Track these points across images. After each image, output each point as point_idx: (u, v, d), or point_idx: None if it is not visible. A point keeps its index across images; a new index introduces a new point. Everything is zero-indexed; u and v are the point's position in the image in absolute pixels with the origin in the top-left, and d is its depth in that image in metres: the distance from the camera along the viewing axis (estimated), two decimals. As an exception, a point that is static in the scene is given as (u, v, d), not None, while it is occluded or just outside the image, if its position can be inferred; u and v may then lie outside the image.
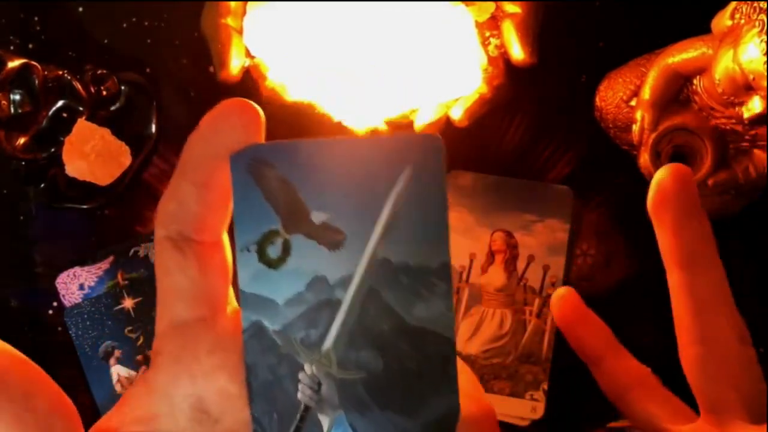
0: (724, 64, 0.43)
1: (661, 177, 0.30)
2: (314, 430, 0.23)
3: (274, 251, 0.23)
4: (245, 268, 0.23)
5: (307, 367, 0.23)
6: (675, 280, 0.31)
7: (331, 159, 0.22)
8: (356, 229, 0.22)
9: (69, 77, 0.51)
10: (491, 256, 0.53)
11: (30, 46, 0.54)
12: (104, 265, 0.54)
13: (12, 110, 0.49)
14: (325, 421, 0.23)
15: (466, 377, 0.25)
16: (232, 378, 0.24)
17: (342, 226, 0.22)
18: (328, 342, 0.23)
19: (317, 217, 0.23)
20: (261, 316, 0.23)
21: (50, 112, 0.51)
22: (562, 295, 0.36)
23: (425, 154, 0.22)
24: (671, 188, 0.30)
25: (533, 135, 0.54)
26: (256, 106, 0.24)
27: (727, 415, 0.30)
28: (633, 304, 0.54)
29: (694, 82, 0.47)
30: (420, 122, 0.49)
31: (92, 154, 0.52)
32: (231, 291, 0.26)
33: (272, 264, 0.23)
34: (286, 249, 0.23)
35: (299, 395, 0.23)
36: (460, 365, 0.24)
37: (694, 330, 0.31)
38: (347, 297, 0.23)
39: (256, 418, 0.23)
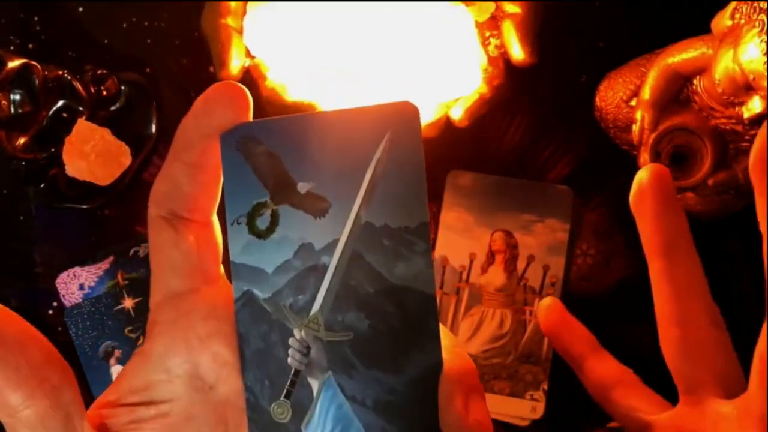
0: (724, 64, 0.43)
1: (640, 175, 0.33)
2: (305, 392, 0.24)
3: (262, 222, 0.24)
4: (235, 240, 0.24)
5: (296, 332, 0.24)
6: (654, 269, 0.34)
7: (314, 131, 0.24)
8: (340, 196, 0.24)
9: (69, 77, 0.51)
10: (491, 256, 0.53)
11: (30, 46, 0.54)
12: (104, 265, 0.54)
13: (12, 110, 0.50)
14: (314, 383, 0.24)
15: (444, 334, 0.25)
16: (226, 345, 0.25)
17: (326, 194, 0.24)
18: (316, 306, 0.24)
19: (302, 187, 0.24)
20: (251, 285, 0.24)
21: (50, 112, 0.51)
22: (547, 305, 0.39)
23: (402, 121, 0.23)
24: (649, 184, 0.33)
25: (533, 135, 0.54)
26: (244, 87, 0.25)
27: (703, 394, 0.32)
28: (633, 304, 0.54)
29: (694, 82, 0.47)
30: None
31: (92, 154, 0.52)
32: (221, 267, 0.27)
33: (261, 234, 0.24)
34: (275, 219, 0.24)
35: (289, 360, 0.24)
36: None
37: (672, 314, 0.33)
38: (333, 261, 0.24)
39: (249, 387, 0.24)
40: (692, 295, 0.33)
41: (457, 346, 0.26)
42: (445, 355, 0.25)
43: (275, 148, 0.24)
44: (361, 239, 0.24)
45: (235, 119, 0.24)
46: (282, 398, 0.24)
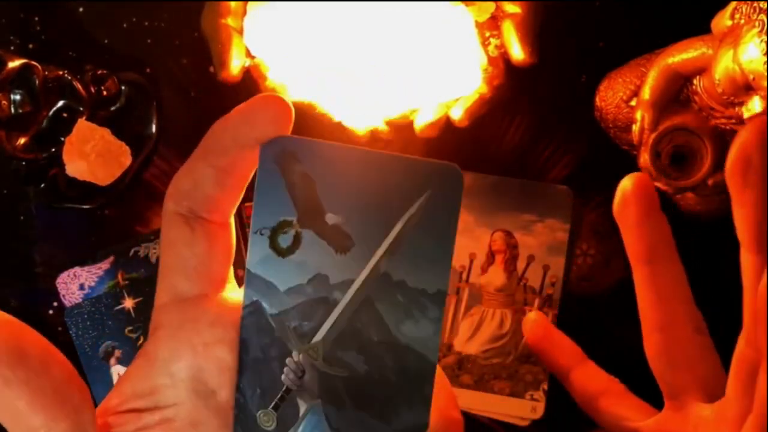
0: (724, 64, 0.43)
1: (623, 183, 0.34)
2: (291, 411, 0.24)
3: (284, 240, 0.24)
4: (255, 250, 0.24)
5: (294, 354, 0.24)
6: (638, 276, 0.34)
7: (355, 167, 0.23)
8: (365, 239, 0.23)
9: (69, 77, 0.51)
10: (491, 256, 0.53)
11: (30, 46, 0.54)
12: (104, 265, 0.54)
13: (12, 110, 0.50)
14: (302, 405, 0.24)
15: (443, 391, 0.25)
16: (230, 350, 0.25)
17: (352, 233, 0.24)
18: (319, 336, 0.24)
19: (331, 218, 0.24)
20: (262, 297, 0.24)
21: (50, 112, 0.51)
22: (533, 319, 0.40)
23: (445, 184, 0.23)
24: (632, 193, 0.33)
25: (533, 135, 0.54)
26: (289, 102, 0.25)
27: (687, 398, 0.32)
28: (633, 304, 0.54)
29: (694, 82, 0.47)
30: (420, 122, 0.49)
31: (92, 154, 0.52)
32: (232, 271, 0.27)
33: (281, 252, 0.24)
34: (297, 241, 0.24)
35: (283, 377, 0.24)
36: (440, 378, 0.25)
37: (655, 319, 0.34)
38: (344, 300, 0.24)
39: (241, 389, 0.25)
40: (675, 302, 0.34)
41: (452, 408, 0.26)
42: (435, 417, 0.24)
43: (312, 171, 0.23)
44: (375, 287, 0.24)
45: (276, 133, 0.24)
46: (270, 408, 0.25)
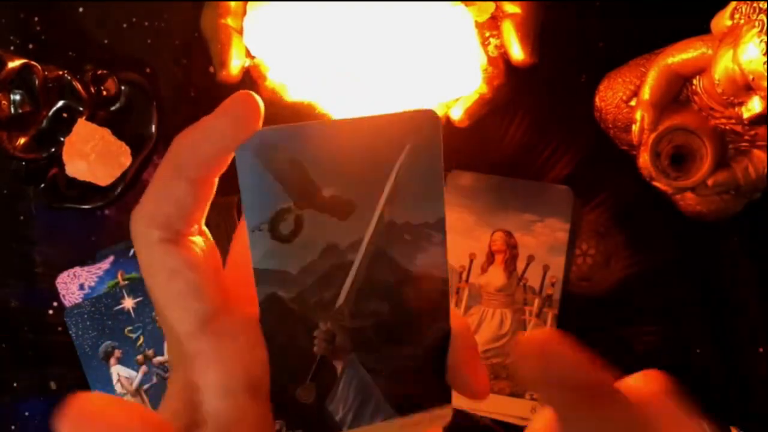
0: (724, 65, 0.43)
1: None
2: (328, 374, 0.26)
3: (286, 227, 0.25)
4: (256, 247, 0.25)
5: (321, 324, 0.25)
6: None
7: (337, 138, 0.24)
8: (364, 198, 0.25)
9: (69, 77, 0.51)
10: (491, 256, 0.53)
11: (30, 46, 0.54)
12: (104, 265, 0.54)
13: (12, 110, 0.50)
14: (338, 364, 0.26)
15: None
16: (264, 347, 0.25)
17: (351, 198, 0.25)
18: (341, 299, 0.25)
19: (327, 192, 0.24)
20: (275, 288, 0.25)
21: (50, 112, 0.51)
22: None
23: (424, 128, 0.25)
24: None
25: (533, 135, 0.54)
26: (255, 96, 0.24)
27: None
28: (633, 304, 0.54)
29: (694, 82, 0.47)
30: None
31: (92, 154, 0.52)
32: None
33: (285, 239, 0.25)
34: (299, 224, 0.25)
35: (315, 349, 0.25)
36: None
37: None
38: (357, 257, 0.25)
39: (273, 377, 0.25)
40: None
41: (454, 310, 0.28)
42: (453, 322, 0.26)
43: (297, 154, 0.24)
44: (383, 236, 0.25)
45: (254, 129, 0.24)
46: (308, 381, 0.26)
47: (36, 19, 0.54)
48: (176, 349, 0.25)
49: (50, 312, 0.54)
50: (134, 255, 0.54)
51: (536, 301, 0.53)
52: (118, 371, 0.53)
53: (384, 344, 0.26)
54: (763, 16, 0.41)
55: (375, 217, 0.25)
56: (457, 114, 0.49)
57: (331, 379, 0.26)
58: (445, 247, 0.26)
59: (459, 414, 0.44)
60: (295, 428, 0.26)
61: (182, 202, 0.24)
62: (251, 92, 0.25)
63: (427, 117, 0.25)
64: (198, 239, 0.25)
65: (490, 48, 0.49)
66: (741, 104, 0.44)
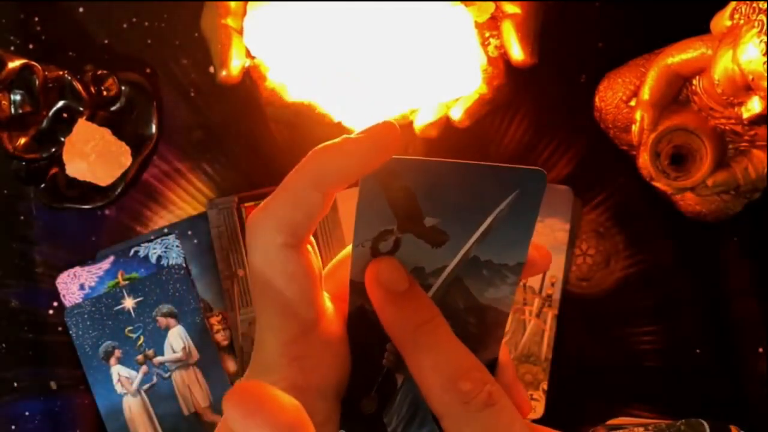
0: (724, 65, 0.43)
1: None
2: (389, 387, 0.28)
3: (385, 246, 0.27)
4: (357, 260, 0.27)
5: None
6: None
7: (451, 177, 0.26)
8: (459, 233, 0.27)
9: (69, 77, 0.51)
10: (491, 256, 0.53)
11: (30, 46, 0.54)
12: (104, 265, 0.54)
13: (12, 110, 0.50)
14: (399, 377, 0.28)
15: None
16: (347, 347, 0.28)
17: (447, 230, 0.27)
18: None
19: (429, 221, 0.27)
20: (365, 300, 0.27)
21: (50, 113, 0.51)
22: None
23: (530, 184, 0.27)
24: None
25: (533, 135, 0.54)
26: (397, 125, 0.26)
27: None
28: (633, 304, 0.54)
29: (694, 82, 0.47)
30: (420, 122, 0.49)
31: (92, 154, 0.52)
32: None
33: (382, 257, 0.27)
34: (397, 245, 0.27)
35: (384, 361, 0.28)
36: None
37: None
38: (437, 282, 0.28)
39: (349, 387, 0.28)
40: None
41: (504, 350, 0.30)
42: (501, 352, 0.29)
43: (412, 184, 0.26)
44: (464, 267, 0.27)
45: (389, 157, 0.26)
46: (373, 392, 0.28)
47: (36, 19, 0.54)
48: (277, 350, 0.26)
49: (50, 312, 0.54)
50: (134, 255, 0.54)
51: (536, 301, 0.53)
52: (118, 371, 0.53)
53: None
54: (762, 16, 0.41)
55: (463, 251, 0.27)
56: (457, 114, 0.49)
57: (391, 391, 0.28)
58: (516, 288, 0.28)
59: None
60: None
61: (312, 212, 0.26)
62: (394, 122, 0.26)
63: (536, 175, 0.26)
64: (310, 248, 0.27)
65: (490, 48, 0.49)
66: (741, 104, 0.44)
